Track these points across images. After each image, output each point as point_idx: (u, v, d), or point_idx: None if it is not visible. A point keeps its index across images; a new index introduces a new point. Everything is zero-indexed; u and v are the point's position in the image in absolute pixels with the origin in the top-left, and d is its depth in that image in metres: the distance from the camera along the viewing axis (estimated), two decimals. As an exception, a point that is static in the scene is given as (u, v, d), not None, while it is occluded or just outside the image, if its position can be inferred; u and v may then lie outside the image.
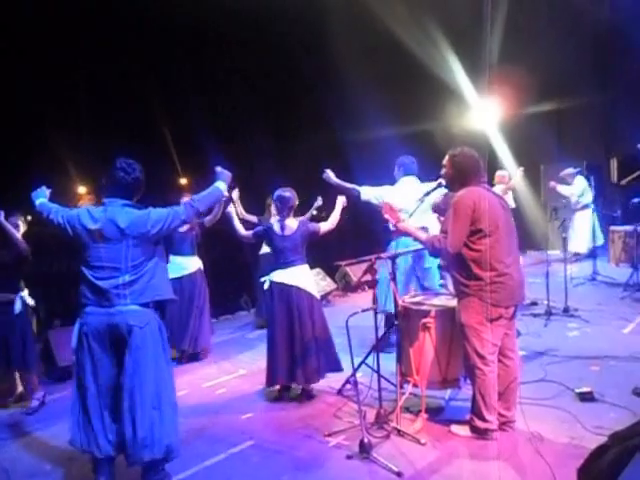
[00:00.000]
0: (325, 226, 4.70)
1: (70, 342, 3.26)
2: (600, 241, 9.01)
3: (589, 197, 8.95)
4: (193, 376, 5.35)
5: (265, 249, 6.60)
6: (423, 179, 5.38)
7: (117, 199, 3.22)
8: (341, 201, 4.84)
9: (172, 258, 5.60)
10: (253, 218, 6.53)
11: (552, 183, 9.05)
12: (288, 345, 4.44)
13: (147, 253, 3.22)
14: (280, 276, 4.53)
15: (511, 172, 8.48)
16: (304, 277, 4.59)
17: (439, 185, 3.88)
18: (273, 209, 6.40)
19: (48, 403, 4.86)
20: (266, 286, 4.67)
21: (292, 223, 4.60)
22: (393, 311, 4.44)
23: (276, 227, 4.58)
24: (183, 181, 16.60)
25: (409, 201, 5.07)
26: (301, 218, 5.08)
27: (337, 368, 4.59)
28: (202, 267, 5.99)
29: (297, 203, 4.77)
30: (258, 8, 8.03)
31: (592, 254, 8.65)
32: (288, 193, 4.63)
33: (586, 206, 8.94)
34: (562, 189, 8.99)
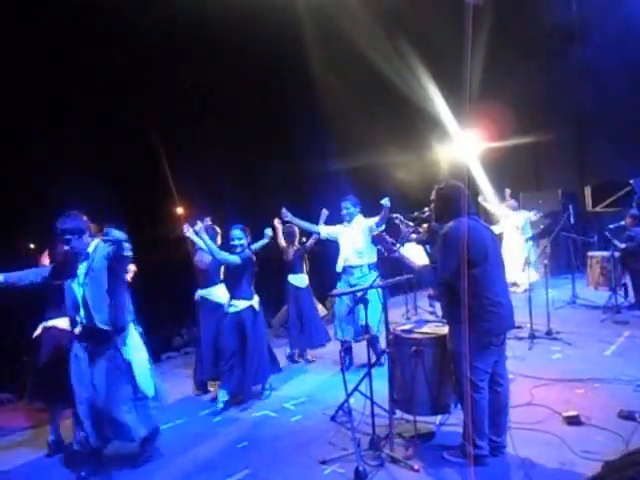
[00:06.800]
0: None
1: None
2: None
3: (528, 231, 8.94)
4: (190, 404, 5.18)
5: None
6: (415, 204, 5.31)
7: None
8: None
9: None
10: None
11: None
12: None
13: None
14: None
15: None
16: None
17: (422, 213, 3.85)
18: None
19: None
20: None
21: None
22: (349, 338, 5.01)
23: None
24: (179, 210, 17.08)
25: (363, 237, 5.55)
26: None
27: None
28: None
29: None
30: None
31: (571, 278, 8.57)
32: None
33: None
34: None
